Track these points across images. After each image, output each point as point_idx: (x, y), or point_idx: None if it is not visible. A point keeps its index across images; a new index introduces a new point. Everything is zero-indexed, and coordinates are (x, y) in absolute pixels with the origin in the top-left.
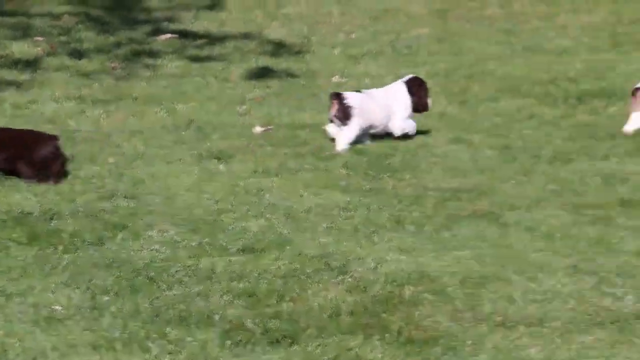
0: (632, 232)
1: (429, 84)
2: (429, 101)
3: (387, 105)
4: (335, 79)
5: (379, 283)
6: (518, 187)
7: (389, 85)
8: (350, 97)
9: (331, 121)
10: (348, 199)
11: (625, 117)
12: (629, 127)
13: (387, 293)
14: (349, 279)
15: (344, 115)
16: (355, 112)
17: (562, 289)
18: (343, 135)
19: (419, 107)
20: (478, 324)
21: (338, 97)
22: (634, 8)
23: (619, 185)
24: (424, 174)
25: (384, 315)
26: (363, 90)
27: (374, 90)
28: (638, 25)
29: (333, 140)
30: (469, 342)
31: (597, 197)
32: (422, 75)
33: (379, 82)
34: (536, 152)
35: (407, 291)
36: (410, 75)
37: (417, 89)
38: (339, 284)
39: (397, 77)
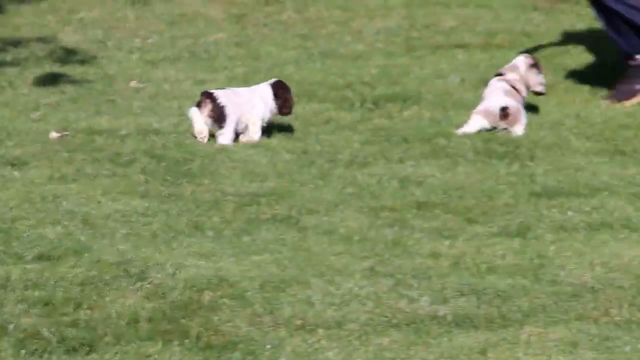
0: (427, 234)
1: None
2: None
3: (252, 105)
4: (133, 84)
5: (177, 289)
6: (316, 190)
7: (254, 86)
8: (223, 96)
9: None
10: (147, 205)
11: (420, 121)
12: (465, 129)
13: (186, 299)
14: (148, 285)
15: (219, 116)
16: (229, 110)
17: (359, 292)
18: (223, 137)
19: (283, 110)
20: (277, 327)
21: (210, 96)
22: (426, 13)
23: (415, 188)
24: (223, 179)
25: (182, 321)
26: (227, 88)
27: (240, 89)
28: (431, 30)
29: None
30: (268, 346)
31: (394, 199)
32: (221, 80)
33: (178, 87)
34: (333, 156)
35: (206, 296)
36: (275, 79)
37: (281, 92)
38: (137, 290)
39: (196, 82)
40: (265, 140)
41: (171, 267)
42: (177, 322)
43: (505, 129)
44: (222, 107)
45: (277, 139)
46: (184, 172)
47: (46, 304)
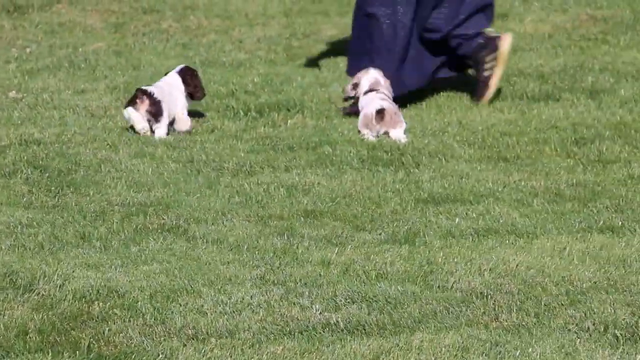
0: (316, 242)
1: (109, 98)
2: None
3: (175, 97)
4: (12, 94)
5: (66, 300)
6: (203, 199)
7: (166, 77)
8: (157, 92)
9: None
10: (31, 216)
11: (304, 129)
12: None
13: (76, 310)
14: (36, 297)
15: (157, 110)
16: (164, 106)
17: (251, 300)
18: (160, 131)
19: (196, 95)
20: (169, 337)
21: (146, 93)
22: (306, 22)
23: (302, 196)
24: (109, 189)
25: (73, 332)
26: (154, 85)
27: (160, 83)
28: (311, 38)
29: (132, 128)
30: (161, 356)
31: (282, 208)
32: (102, 90)
33: (58, 97)
34: (220, 165)
35: (96, 307)
36: (182, 65)
37: (191, 78)
38: (25, 302)
39: (76, 92)
40: (150, 149)
41: (59, 278)
42: (67, 334)
43: (386, 132)
44: (159, 102)
45: (162, 149)
46: (68, 182)
47: None
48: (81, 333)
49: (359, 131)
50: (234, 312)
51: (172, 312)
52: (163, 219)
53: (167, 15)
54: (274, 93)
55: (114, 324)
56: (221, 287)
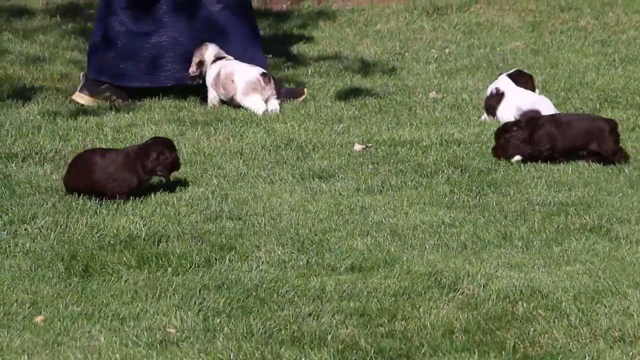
0: None
1: None
2: None
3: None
4: (433, 94)
5: (490, 300)
6: (625, 199)
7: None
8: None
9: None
10: (453, 215)
11: None
12: None
13: (500, 310)
14: (460, 296)
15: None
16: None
17: None
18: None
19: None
20: (595, 339)
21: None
22: None
23: None
24: (529, 189)
25: (498, 332)
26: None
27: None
28: None
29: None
30: (587, 358)
31: None
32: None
33: (477, 96)
34: None
35: (520, 307)
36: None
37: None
38: (450, 301)
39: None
40: None
41: (482, 278)
42: (492, 334)
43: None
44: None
45: None
46: (488, 182)
47: (362, 315)
48: (506, 333)
49: (240, 102)
50: None
51: (597, 314)
52: (585, 218)
53: (585, 12)
54: None
55: (539, 324)
56: None
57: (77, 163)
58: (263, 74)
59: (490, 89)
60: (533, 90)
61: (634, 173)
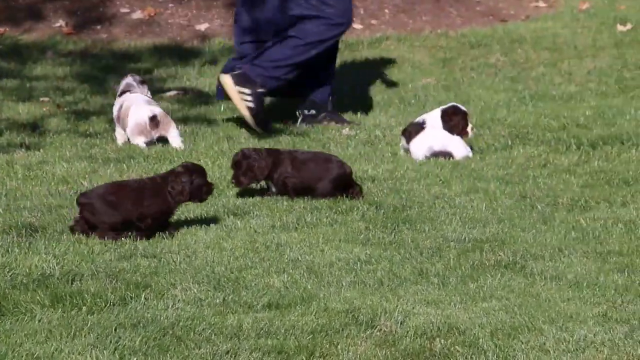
0: None
1: None
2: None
3: None
4: (346, 131)
5: (408, 336)
6: (539, 235)
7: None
8: None
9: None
10: (369, 252)
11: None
12: None
13: (418, 346)
14: (378, 333)
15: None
16: None
17: (594, 338)
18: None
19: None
20: None
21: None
22: (638, 53)
23: None
24: (444, 225)
25: None
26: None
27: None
28: None
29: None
30: None
31: (621, 244)
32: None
33: (389, 133)
34: (554, 200)
35: (438, 344)
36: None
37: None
38: (367, 338)
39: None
40: (483, 184)
41: (400, 315)
42: None
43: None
44: None
45: (494, 184)
46: (403, 218)
47: (279, 352)
48: None
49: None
50: (577, 350)
51: (514, 350)
52: (499, 255)
53: (495, 49)
54: (606, 126)
55: None
56: (562, 324)
57: None
58: (152, 118)
59: (418, 119)
60: (465, 126)
61: (546, 209)
